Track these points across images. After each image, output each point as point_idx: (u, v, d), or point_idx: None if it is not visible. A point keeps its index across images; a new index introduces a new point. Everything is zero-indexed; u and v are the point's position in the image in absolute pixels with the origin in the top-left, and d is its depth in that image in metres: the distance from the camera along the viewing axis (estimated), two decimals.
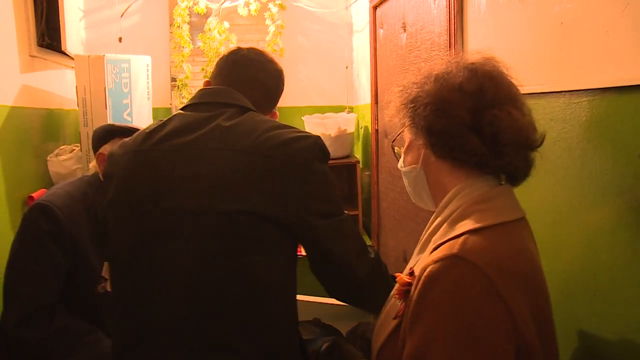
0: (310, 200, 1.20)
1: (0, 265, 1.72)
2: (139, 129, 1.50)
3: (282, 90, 1.52)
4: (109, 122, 2.54)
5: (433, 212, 1.11)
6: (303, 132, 1.27)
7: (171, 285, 1.17)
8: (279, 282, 1.22)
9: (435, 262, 0.91)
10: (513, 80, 1.06)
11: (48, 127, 2.62)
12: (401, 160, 1.19)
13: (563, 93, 1.25)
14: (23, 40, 2.36)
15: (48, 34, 2.65)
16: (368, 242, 3.11)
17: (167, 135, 1.26)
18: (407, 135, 1.16)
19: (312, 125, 3.23)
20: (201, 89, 1.39)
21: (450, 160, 1.05)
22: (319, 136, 1.29)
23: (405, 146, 1.18)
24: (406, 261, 2.57)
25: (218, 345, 1.15)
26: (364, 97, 3.32)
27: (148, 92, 3.00)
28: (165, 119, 1.32)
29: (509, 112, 1.00)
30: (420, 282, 0.91)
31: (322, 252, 1.24)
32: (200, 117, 1.27)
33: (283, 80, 1.51)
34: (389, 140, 2.80)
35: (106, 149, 1.78)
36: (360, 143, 3.47)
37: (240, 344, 1.15)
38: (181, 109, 1.35)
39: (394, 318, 1.02)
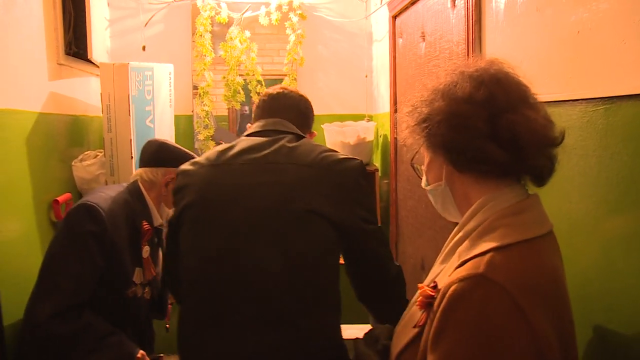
0: (359, 207, 1.49)
1: (29, 264, 1.77)
2: (193, 156, 1.94)
3: (313, 112, 1.81)
4: (132, 130, 2.61)
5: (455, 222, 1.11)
6: (350, 156, 1.57)
7: (249, 270, 1.40)
8: (333, 271, 1.47)
9: (461, 280, 0.90)
10: (520, 79, 1.05)
11: (73, 133, 2.69)
12: (424, 179, 1.18)
13: (580, 101, 1.26)
14: (52, 49, 2.43)
15: (75, 42, 2.73)
16: None
17: (239, 153, 1.52)
18: (426, 154, 1.14)
19: (331, 133, 3.26)
20: (259, 122, 1.65)
21: (473, 173, 1.04)
22: (361, 160, 1.57)
23: (425, 164, 1.17)
24: (424, 269, 2.58)
25: (286, 321, 1.38)
26: (383, 105, 3.34)
27: (170, 99, 3.05)
28: (232, 143, 1.57)
29: (524, 114, 0.98)
30: (445, 298, 0.91)
31: (364, 251, 1.50)
32: (264, 140, 1.54)
33: (310, 104, 1.79)
34: (408, 148, 2.82)
35: (172, 172, 1.87)
36: (379, 151, 3.49)
37: (301, 320, 1.39)
38: (245, 135, 1.62)
39: (414, 327, 1.03)
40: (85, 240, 1.67)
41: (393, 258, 1.59)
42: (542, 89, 1.13)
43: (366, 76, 3.68)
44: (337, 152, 1.58)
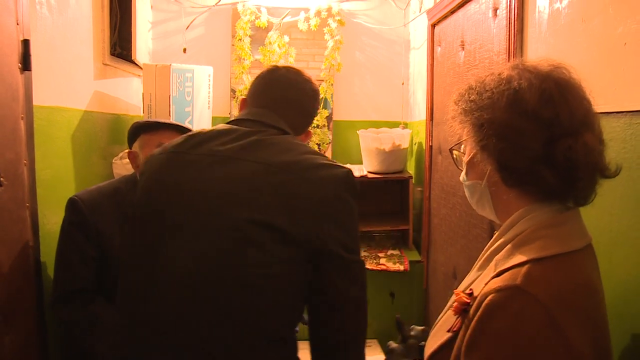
0: (336, 228, 1.22)
1: None
2: (163, 122, 1.81)
3: (318, 110, 1.53)
4: None
5: (487, 229, 1.10)
6: (337, 163, 1.31)
7: (167, 289, 1.18)
8: (286, 297, 1.20)
9: (498, 291, 0.90)
10: (585, 92, 1.00)
11: (114, 131, 2.76)
12: (463, 172, 1.15)
13: (624, 113, 1.25)
14: (98, 50, 2.51)
15: (120, 43, 2.80)
16: (417, 258, 3.13)
17: (203, 141, 1.30)
18: (470, 148, 1.10)
19: (366, 139, 3.27)
20: (248, 109, 1.41)
21: (519, 189, 1.02)
22: (351, 170, 1.30)
23: (467, 158, 1.12)
24: (455, 277, 2.57)
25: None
26: (419, 113, 3.34)
27: (209, 101, 3.11)
28: (208, 128, 1.37)
29: (585, 143, 0.95)
30: (482, 308, 0.91)
31: (327, 289, 1.23)
32: (241, 130, 1.32)
33: (319, 100, 1.52)
34: (443, 156, 2.81)
35: (135, 147, 1.91)
36: (413, 159, 3.49)
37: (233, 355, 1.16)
38: (227, 123, 1.40)
39: (448, 331, 1.03)
40: (69, 230, 1.78)
41: (365, 312, 1.30)
42: None
43: (403, 83, 3.68)
44: (322, 155, 1.31)
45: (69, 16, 2.15)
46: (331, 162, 1.29)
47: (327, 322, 1.27)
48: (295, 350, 1.29)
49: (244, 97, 1.49)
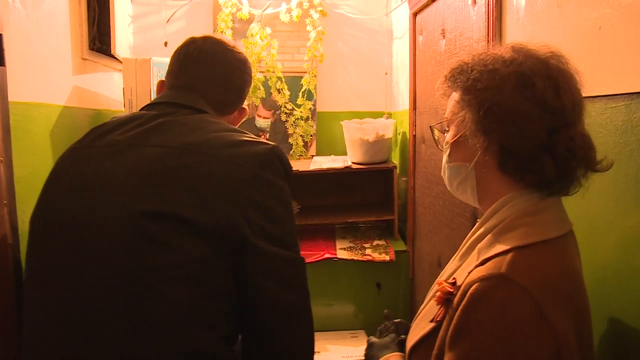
0: (255, 214, 1.01)
1: None
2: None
3: (249, 82, 1.33)
4: None
5: (470, 217, 1.09)
6: (261, 139, 1.12)
7: (62, 299, 1.01)
8: (198, 304, 0.98)
9: (482, 280, 0.90)
10: (578, 81, 1.00)
11: (94, 126, 2.73)
12: (447, 154, 1.10)
13: (600, 97, 1.25)
14: (76, 44, 2.48)
15: (99, 38, 2.76)
16: (403, 247, 3.14)
17: (108, 131, 1.16)
18: (456, 127, 1.06)
19: (350, 130, 3.26)
20: (164, 91, 1.27)
21: (513, 175, 1.00)
22: (278, 146, 1.13)
23: (452, 137, 1.07)
24: (440, 266, 2.58)
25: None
26: (403, 103, 3.33)
27: None
28: (117, 117, 1.23)
29: (582, 134, 0.96)
30: (466, 297, 0.91)
31: (254, 290, 1.01)
32: (147, 115, 1.17)
33: (248, 69, 1.32)
34: (427, 145, 2.81)
35: None
36: (397, 149, 3.49)
37: None
38: (140, 109, 1.25)
39: (431, 321, 1.03)
40: None
41: (307, 325, 1.08)
42: None
43: (386, 73, 3.67)
44: (243, 132, 1.14)
45: (45, 10, 2.12)
46: (252, 139, 1.10)
47: (258, 340, 1.04)
48: None
49: (162, 79, 1.32)
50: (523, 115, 0.94)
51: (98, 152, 1.12)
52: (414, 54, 2.99)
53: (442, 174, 1.15)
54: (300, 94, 3.57)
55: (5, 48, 1.68)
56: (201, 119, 1.15)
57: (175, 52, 1.31)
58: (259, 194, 1.03)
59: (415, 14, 2.96)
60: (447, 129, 1.11)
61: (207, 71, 1.25)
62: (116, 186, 1.04)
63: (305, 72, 3.56)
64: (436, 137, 1.16)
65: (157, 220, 0.98)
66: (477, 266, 0.96)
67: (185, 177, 1.02)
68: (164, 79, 1.32)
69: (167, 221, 0.98)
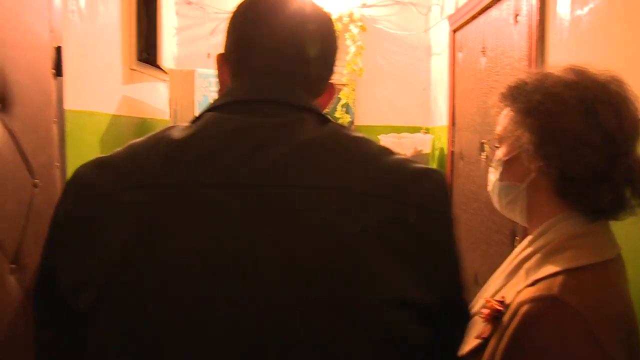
0: (456, 270, 0.77)
1: None
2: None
3: (337, 46, 0.91)
4: None
5: (508, 235, 1.07)
6: (415, 160, 0.79)
7: None
8: None
9: (533, 300, 0.89)
10: (636, 106, 0.97)
11: (141, 135, 2.80)
12: (498, 172, 1.06)
13: None
14: (126, 55, 2.58)
15: (146, 49, 2.87)
16: None
17: (211, 153, 0.71)
18: (511, 147, 1.03)
19: (388, 144, 3.29)
20: (238, 79, 0.83)
21: (567, 199, 0.98)
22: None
23: (506, 156, 1.04)
24: (478, 284, 2.57)
25: None
26: (441, 119, 3.35)
27: None
28: (191, 125, 0.76)
29: (638, 161, 0.94)
30: (518, 318, 0.90)
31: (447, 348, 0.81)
32: (262, 124, 0.74)
33: (334, 28, 0.90)
34: (465, 162, 2.82)
35: None
36: (435, 164, 3.50)
37: None
38: (215, 108, 0.78)
39: (477, 337, 1.03)
40: None
41: None
42: None
43: (424, 89, 3.70)
44: (391, 151, 0.77)
45: (99, 23, 2.21)
46: (417, 165, 0.78)
47: None
48: None
49: (221, 53, 0.88)
50: (586, 143, 0.92)
51: (225, 198, 0.68)
52: (453, 71, 3.01)
53: (489, 191, 1.14)
54: (339, 107, 3.62)
55: (64, 59, 1.77)
56: (341, 133, 0.77)
57: (238, 15, 0.85)
58: (454, 241, 0.78)
59: (455, 31, 2.98)
60: (497, 146, 1.09)
61: (292, 41, 0.83)
62: (296, 269, 0.66)
63: (345, 85, 3.61)
64: (487, 153, 1.15)
65: (381, 313, 0.67)
66: (527, 286, 0.96)
67: (384, 238, 0.68)
68: (224, 51, 0.87)
69: (393, 311, 0.67)
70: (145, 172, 0.73)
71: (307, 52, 0.84)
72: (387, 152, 0.77)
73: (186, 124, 0.79)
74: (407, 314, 0.68)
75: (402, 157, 0.78)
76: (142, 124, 2.83)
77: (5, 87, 1.42)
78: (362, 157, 0.75)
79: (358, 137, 0.78)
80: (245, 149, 0.72)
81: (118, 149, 0.79)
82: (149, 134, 0.80)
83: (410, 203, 0.72)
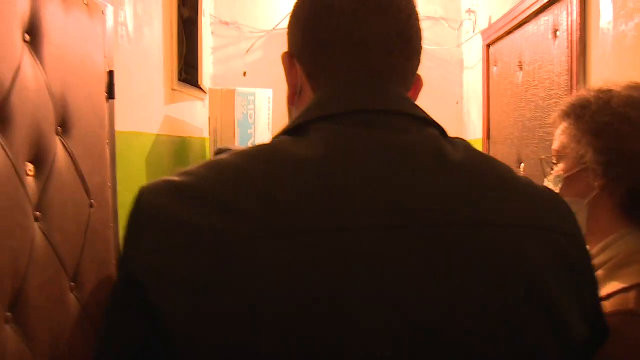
0: (597, 294, 0.71)
1: None
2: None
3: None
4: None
5: None
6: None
7: None
8: None
9: (610, 316, 0.86)
10: None
11: (180, 153, 2.89)
12: (558, 187, 1.06)
13: None
14: (168, 76, 2.65)
15: (185, 69, 2.94)
16: None
17: (369, 190, 0.56)
18: (574, 164, 1.04)
19: None
20: (333, 83, 0.67)
21: (633, 216, 0.99)
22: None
23: (568, 172, 1.05)
24: None
25: None
26: (475, 132, 3.36)
27: (269, 123, 3.22)
28: (300, 139, 0.61)
29: None
30: None
31: None
32: (404, 147, 0.61)
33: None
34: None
35: None
36: None
37: None
38: (325, 119, 0.63)
39: None
40: None
41: None
42: None
43: (457, 103, 3.71)
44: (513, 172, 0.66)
45: (144, 45, 2.29)
46: (545, 188, 0.70)
47: None
48: None
49: (286, 52, 0.77)
50: None
51: (373, 244, 0.53)
52: (488, 85, 3.02)
53: None
54: None
55: (115, 83, 1.84)
56: (469, 148, 0.66)
57: (308, 4, 0.71)
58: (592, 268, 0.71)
59: (489, 46, 2.99)
60: (554, 162, 1.10)
61: (381, 28, 0.67)
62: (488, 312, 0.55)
63: None
64: (546, 170, 1.15)
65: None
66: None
67: (552, 272, 0.60)
68: (292, 47, 0.76)
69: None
70: (285, 211, 0.53)
71: (400, 41, 0.69)
72: (511, 170, 0.67)
73: (286, 137, 0.62)
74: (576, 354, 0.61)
75: (524, 177, 0.69)
76: (182, 142, 2.90)
77: (66, 112, 1.49)
78: (511, 182, 0.64)
79: (487, 155, 0.68)
80: (401, 175, 0.58)
81: (190, 171, 0.59)
82: (240, 152, 0.60)
83: (562, 232, 0.63)
